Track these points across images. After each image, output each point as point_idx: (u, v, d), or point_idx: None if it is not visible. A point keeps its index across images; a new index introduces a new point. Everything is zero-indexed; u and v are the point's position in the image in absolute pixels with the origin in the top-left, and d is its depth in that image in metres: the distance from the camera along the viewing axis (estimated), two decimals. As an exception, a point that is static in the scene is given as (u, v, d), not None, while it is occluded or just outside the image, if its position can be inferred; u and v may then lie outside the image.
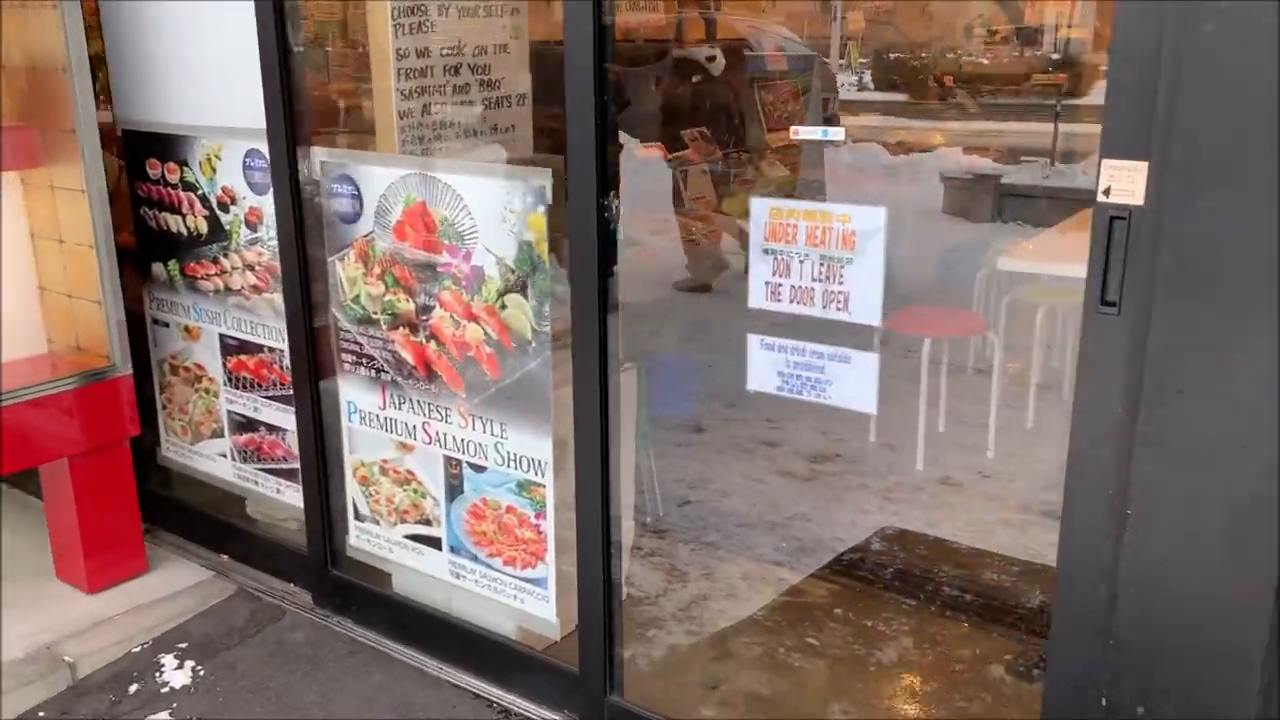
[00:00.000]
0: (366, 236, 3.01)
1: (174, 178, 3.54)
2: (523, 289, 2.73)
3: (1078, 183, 8.92)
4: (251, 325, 3.49)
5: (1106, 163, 1.81)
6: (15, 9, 3.31)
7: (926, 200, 8.71)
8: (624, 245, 2.63)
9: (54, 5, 3.20)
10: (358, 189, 3.00)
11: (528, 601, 2.97)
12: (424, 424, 3.05)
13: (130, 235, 3.72)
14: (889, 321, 2.21)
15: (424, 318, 2.95)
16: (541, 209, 2.64)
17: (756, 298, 2.34)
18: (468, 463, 2.99)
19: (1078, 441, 1.95)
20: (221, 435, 3.72)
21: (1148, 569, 1.92)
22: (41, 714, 3.06)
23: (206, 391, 3.71)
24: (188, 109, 3.43)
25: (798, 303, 2.26)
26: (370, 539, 3.31)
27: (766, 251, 2.29)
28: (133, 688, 3.15)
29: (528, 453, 2.85)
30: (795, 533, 4.08)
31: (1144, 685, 1.97)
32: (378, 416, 3.15)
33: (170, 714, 3.02)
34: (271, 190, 3.22)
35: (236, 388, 3.61)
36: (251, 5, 3.04)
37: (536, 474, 2.84)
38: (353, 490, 3.30)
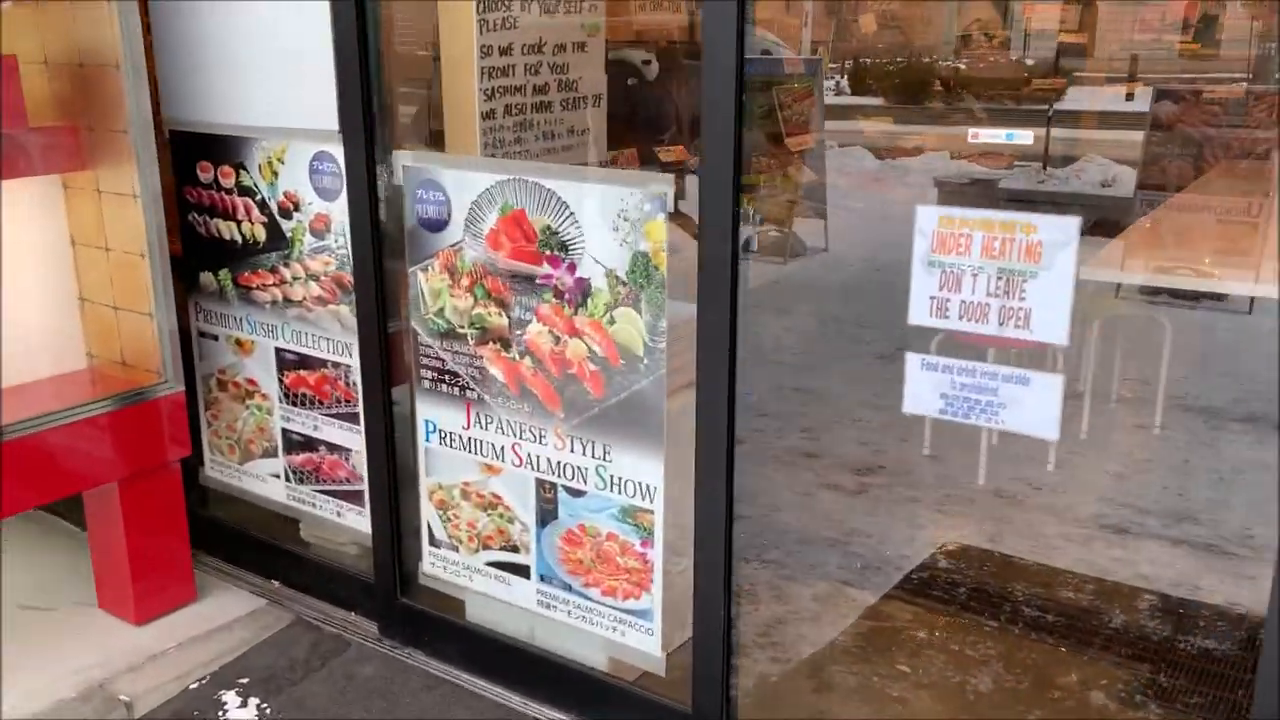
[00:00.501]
0: (454, 246, 2.83)
1: (228, 182, 3.32)
2: (635, 302, 2.57)
3: (1072, 187, 8.98)
4: (314, 339, 3.28)
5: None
6: (61, 2, 3.08)
7: (925, 202, 8.72)
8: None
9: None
10: (445, 195, 2.81)
11: (628, 634, 2.79)
12: (514, 445, 2.87)
13: (176, 243, 3.48)
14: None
15: (518, 332, 2.77)
16: (661, 216, 2.48)
17: (919, 313, 2.19)
18: (564, 486, 2.81)
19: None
20: (274, 454, 3.50)
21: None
22: (101, 759, 2.85)
23: (259, 408, 3.49)
24: (246, 109, 3.22)
25: (968, 319, 2.11)
26: (446, 566, 3.12)
27: (932, 264, 2.15)
28: (197, 729, 2.95)
29: (635, 476, 2.67)
30: (856, 549, 4.00)
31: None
32: (460, 436, 2.96)
33: (243, 757, 2.82)
34: (342, 196, 3.02)
35: (294, 404, 3.40)
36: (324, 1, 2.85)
37: (644, 499, 2.67)
38: (428, 514, 3.11)
